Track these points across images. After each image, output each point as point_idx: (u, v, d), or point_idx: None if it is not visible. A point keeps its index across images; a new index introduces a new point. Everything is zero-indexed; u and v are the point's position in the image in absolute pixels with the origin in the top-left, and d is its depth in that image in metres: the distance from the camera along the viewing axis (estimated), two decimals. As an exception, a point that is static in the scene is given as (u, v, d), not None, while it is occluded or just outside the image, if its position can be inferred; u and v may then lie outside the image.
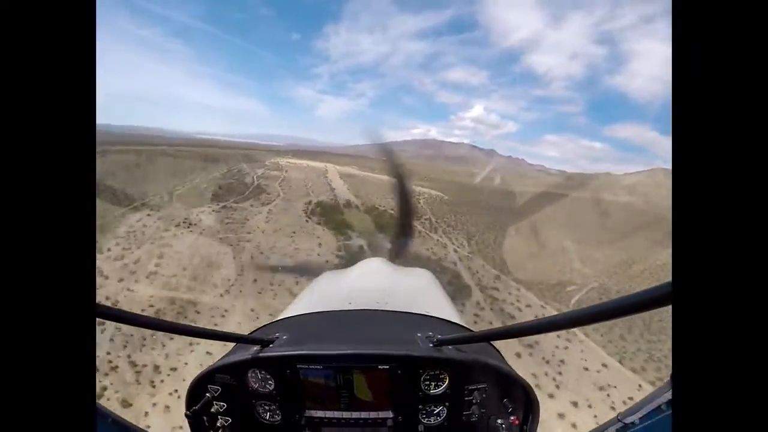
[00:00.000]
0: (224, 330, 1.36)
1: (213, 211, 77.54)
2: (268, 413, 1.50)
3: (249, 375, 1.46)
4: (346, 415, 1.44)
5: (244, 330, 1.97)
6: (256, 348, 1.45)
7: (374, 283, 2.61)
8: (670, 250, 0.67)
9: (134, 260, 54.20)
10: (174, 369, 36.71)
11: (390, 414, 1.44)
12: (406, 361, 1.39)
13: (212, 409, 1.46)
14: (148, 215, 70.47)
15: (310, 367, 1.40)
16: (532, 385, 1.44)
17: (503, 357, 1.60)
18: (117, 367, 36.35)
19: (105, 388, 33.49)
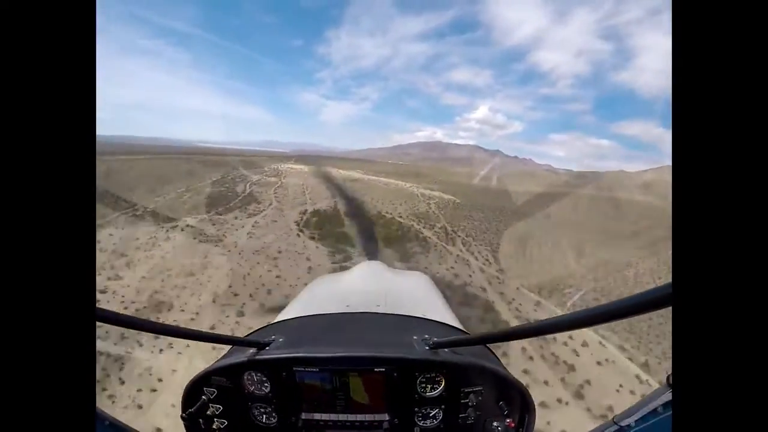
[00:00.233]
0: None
1: (187, 226, 64.50)
2: (264, 416, 1.50)
3: (245, 377, 1.47)
4: (342, 417, 1.45)
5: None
6: (252, 350, 1.46)
7: (371, 286, 2.61)
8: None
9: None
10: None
11: (386, 417, 1.44)
12: (402, 364, 1.39)
13: (208, 412, 1.47)
14: (110, 235, 57.34)
15: (307, 369, 1.40)
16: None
17: (499, 360, 1.60)
18: None
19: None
